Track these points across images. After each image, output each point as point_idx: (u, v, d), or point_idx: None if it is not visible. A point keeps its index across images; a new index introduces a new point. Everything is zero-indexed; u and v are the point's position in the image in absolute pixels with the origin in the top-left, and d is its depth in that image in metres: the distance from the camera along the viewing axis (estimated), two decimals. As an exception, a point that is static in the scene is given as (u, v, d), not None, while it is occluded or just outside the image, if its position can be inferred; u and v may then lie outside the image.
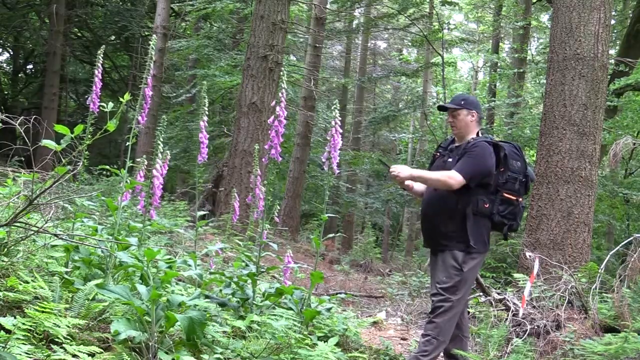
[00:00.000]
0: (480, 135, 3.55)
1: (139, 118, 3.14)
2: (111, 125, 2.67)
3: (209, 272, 3.85)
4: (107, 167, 3.40)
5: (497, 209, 3.36)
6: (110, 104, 2.78)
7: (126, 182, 3.08)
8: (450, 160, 3.44)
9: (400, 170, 3.36)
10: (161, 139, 2.97)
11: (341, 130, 3.43)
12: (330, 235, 3.94)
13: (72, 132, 2.49)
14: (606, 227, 13.47)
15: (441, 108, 3.70)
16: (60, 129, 2.39)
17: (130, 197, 3.36)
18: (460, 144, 3.48)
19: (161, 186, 2.99)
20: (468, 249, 3.30)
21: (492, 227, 3.42)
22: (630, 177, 11.84)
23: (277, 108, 3.30)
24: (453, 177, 3.27)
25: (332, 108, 3.47)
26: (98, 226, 3.32)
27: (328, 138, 3.41)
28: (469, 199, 3.31)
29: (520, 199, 3.43)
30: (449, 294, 3.27)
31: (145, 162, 3.35)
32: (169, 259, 3.24)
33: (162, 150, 2.98)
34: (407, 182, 3.46)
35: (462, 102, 3.50)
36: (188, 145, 16.23)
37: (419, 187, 3.58)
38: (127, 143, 3.06)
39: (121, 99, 2.82)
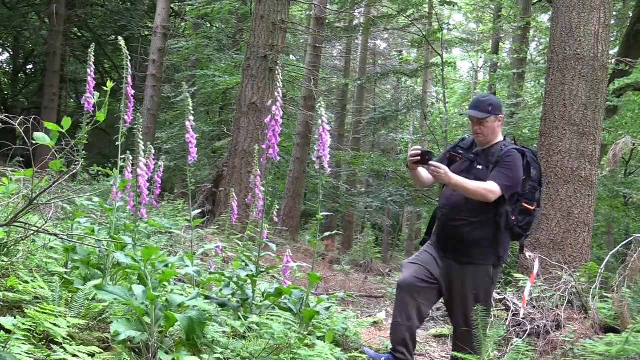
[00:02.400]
0: (505, 138, 3.42)
1: (125, 117, 3.15)
2: (100, 116, 2.68)
3: (208, 272, 3.85)
4: (100, 167, 3.40)
5: (517, 220, 3.27)
6: (97, 94, 2.78)
7: (119, 181, 3.09)
8: (479, 167, 3.28)
9: (444, 170, 3.14)
10: (140, 137, 2.98)
11: (329, 129, 3.39)
12: (327, 234, 3.88)
13: (70, 132, 2.49)
14: (606, 227, 13.47)
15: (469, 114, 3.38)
16: (51, 126, 2.38)
17: (122, 195, 3.35)
18: (487, 148, 3.34)
19: (147, 184, 3.00)
20: (498, 261, 3.26)
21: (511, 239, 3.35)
22: (630, 176, 11.84)
23: (274, 107, 3.29)
24: (493, 192, 3.14)
25: (318, 107, 3.44)
26: (95, 226, 3.32)
27: (316, 137, 3.38)
28: (502, 210, 3.21)
29: (538, 208, 3.36)
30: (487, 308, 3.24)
31: (131, 158, 3.34)
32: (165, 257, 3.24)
33: (144, 149, 2.99)
34: (419, 170, 3.32)
35: (490, 109, 3.29)
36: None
37: (427, 176, 3.38)
38: (117, 143, 3.08)
39: (105, 88, 2.83)
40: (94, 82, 3.24)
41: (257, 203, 3.59)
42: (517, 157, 3.25)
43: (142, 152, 2.96)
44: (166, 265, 2.89)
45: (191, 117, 3.42)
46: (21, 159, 9.11)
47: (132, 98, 3.18)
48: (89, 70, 3.27)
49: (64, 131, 2.36)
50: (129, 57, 3.20)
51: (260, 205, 3.51)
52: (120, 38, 3.24)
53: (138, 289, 2.49)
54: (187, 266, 3.38)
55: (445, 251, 3.38)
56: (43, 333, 2.16)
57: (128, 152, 3.36)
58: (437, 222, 3.46)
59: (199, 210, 3.91)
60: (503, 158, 3.23)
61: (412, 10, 15.65)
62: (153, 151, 3.20)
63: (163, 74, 14.35)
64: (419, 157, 3.15)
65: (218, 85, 14.05)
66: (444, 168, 3.15)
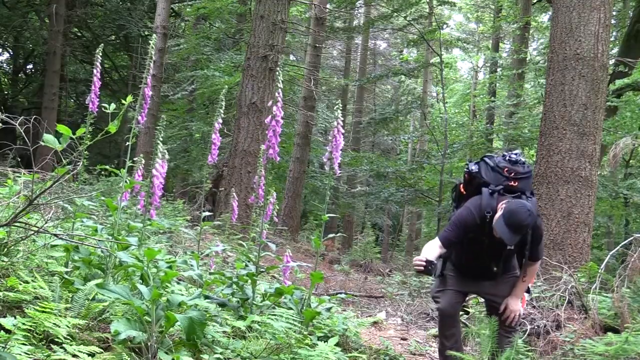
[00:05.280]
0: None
1: (139, 118, 3.14)
2: (112, 127, 2.67)
3: (209, 272, 3.85)
4: (107, 167, 3.40)
5: None
6: (112, 105, 2.77)
7: (125, 182, 3.08)
8: (511, 248, 3.15)
9: (519, 307, 3.30)
10: (161, 138, 2.96)
11: (343, 131, 3.40)
12: (331, 235, 3.90)
13: (73, 133, 2.48)
14: (606, 227, 13.47)
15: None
16: (62, 129, 2.38)
17: (129, 196, 3.35)
18: None
19: (161, 186, 2.99)
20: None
21: None
22: (629, 177, 11.84)
23: (274, 108, 3.28)
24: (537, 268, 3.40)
25: (335, 108, 3.41)
26: (98, 226, 3.32)
27: (330, 138, 3.37)
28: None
29: None
30: None
31: (143, 161, 3.34)
32: (169, 258, 3.24)
33: (161, 150, 2.98)
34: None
35: (528, 229, 3.08)
36: (188, 144, 16.25)
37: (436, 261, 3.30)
38: (127, 143, 3.05)
39: (123, 101, 2.81)
40: (100, 83, 3.24)
41: (264, 204, 3.56)
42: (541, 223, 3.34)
43: (159, 154, 2.94)
44: (170, 266, 2.89)
45: (220, 120, 3.42)
46: (18, 159, 9.08)
47: (148, 99, 3.17)
48: (95, 71, 3.26)
49: (74, 137, 2.36)
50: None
51: (270, 209, 3.48)
52: (153, 36, 3.23)
53: (144, 288, 2.50)
54: (192, 266, 3.39)
55: (481, 280, 3.43)
56: (43, 333, 2.16)
57: (141, 155, 3.36)
58: (467, 267, 3.39)
59: (207, 213, 3.89)
60: (535, 235, 3.15)
61: (411, 10, 15.63)
62: (167, 155, 3.20)
63: (163, 74, 14.35)
64: (422, 268, 3.12)
65: (217, 85, 14.06)
66: (512, 309, 3.29)
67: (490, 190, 3.17)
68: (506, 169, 3.20)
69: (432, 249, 3.17)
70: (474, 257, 3.30)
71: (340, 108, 3.40)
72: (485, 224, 3.10)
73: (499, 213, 3.04)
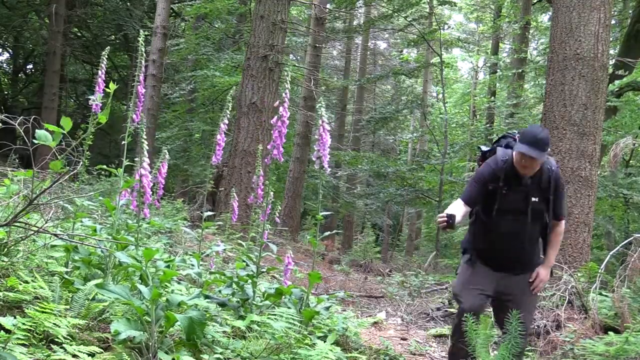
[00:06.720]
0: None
1: (133, 117, 3.15)
2: (102, 117, 2.67)
3: (209, 272, 3.85)
4: (105, 166, 3.41)
5: None
6: (99, 95, 2.78)
7: (124, 181, 3.08)
8: (535, 199, 3.17)
9: (546, 277, 3.32)
10: (144, 137, 2.97)
11: (329, 129, 3.38)
12: (327, 233, 3.84)
13: (71, 133, 2.48)
14: (606, 227, 13.45)
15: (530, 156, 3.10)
16: (52, 127, 2.38)
17: (128, 196, 3.35)
18: (535, 176, 3.19)
19: (151, 184, 2.99)
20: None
21: None
22: (630, 177, 11.84)
23: (281, 108, 3.27)
24: (563, 230, 3.39)
25: (318, 106, 3.41)
26: (97, 226, 3.32)
27: (317, 137, 3.36)
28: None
29: None
30: None
31: (145, 160, 3.34)
32: (168, 257, 3.24)
33: (146, 149, 2.99)
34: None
35: (547, 147, 3.07)
36: (187, 144, 16.25)
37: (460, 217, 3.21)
38: (123, 142, 3.07)
39: (108, 90, 2.82)
40: (104, 85, 3.25)
41: (263, 204, 3.56)
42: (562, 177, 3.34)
43: (145, 152, 2.95)
44: (168, 266, 2.89)
45: (226, 120, 3.42)
46: (16, 159, 9.06)
47: (142, 97, 3.18)
48: (99, 72, 3.28)
49: (65, 132, 2.36)
50: (141, 57, 3.19)
51: (265, 206, 3.48)
52: (142, 34, 3.24)
53: (144, 288, 2.50)
54: (192, 265, 3.39)
55: (508, 270, 3.35)
56: (43, 333, 2.16)
57: (144, 152, 3.36)
58: (495, 249, 3.34)
59: (210, 213, 3.89)
60: (557, 186, 3.21)
61: (411, 10, 15.63)
62: (167, 155, 3.19)
63: (163, 74, 14.35)
64: (446, 223, 3.07)
65: (216, 85, 14.05)
66: (541, 278, 3.29)
67: (504, 146, 3.35)
68: (517, 136, 3.33)
69: (456, 208, 3.17)
70: (501, 224, 3.24)
71: (324, 106, 3.38)
72: (504, 170, 3.16)
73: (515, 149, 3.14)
